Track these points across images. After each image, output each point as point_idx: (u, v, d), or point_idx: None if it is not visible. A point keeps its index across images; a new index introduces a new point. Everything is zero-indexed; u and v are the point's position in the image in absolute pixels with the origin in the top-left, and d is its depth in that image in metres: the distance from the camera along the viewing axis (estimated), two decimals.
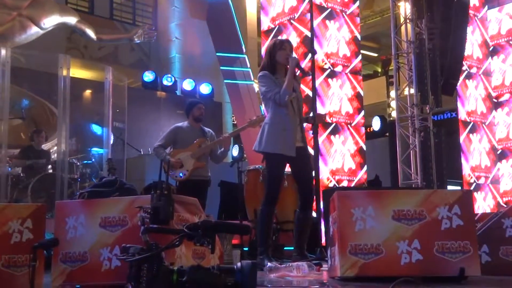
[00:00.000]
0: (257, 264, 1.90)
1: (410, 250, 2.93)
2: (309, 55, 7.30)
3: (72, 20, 8.67)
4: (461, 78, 8.51)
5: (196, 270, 1.55)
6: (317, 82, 7.24)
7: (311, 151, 6.65)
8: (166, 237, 1.75)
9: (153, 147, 5.75)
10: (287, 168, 4.49)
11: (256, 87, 10.55)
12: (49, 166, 7.58)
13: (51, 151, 8.30)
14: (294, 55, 4.63)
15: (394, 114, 10.71)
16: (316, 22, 7.42)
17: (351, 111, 7.70)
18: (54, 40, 10.05)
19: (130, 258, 1.57)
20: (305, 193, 4.36)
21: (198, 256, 3.24)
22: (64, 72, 7.62)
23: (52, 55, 8.12)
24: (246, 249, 5.25)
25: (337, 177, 7.34)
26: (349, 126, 7.62)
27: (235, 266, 1.55)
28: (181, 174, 5.54)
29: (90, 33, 8.78)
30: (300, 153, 4.30)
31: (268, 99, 4.31)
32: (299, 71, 4.61)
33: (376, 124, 12.74)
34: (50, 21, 8.40)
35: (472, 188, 8.35)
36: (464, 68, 8.55)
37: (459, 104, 8.76)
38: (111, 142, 8.55)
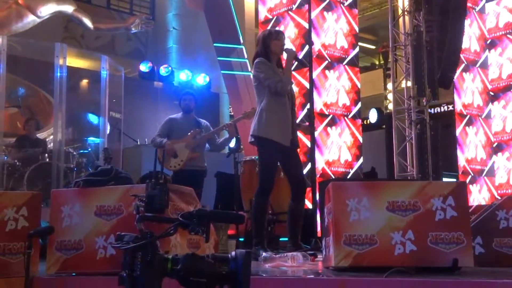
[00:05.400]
0: (252, 253, 1.91)
1: (404, 240, 2.95)
2: (307, 47, 7.31)
3: (69, 8, 8.63)
4: (458, 71, 8.50)
5: (190, 258, 1.55)
6: (314, 74, 7.24)
7: (308, 143, 6.68)
8: (161, 226, 1.75)
9: (151, 139, 5.80)
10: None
11: None
12: (45, 155, 7.56)
13: (47, 140, 8.28)
14: (291, 46, 4.62)
15: (391, 106, 10.73)
16: (314, 14, 7.40)
17: (348, 103, 7.69)
18: (51, 29, 9.99)
19: (125, 246, 1.57)
20: (296, 185, 4.33)
21: (193, 246, 3.26)
22: (61, 61, 7.60)
23: (49, 44, 8.09)
24: (241, 239, 5.26)
25: (333, 169, 7.35)
26: (345, 118, 7.62)
27: (229, 255, 1.56)
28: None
29: (87, 22, 8.74)
30: (291, 146, 4.31)
31: (265, 87, 4.24)
32: (296, 63, 4.61)
33: (373, 116, 12.78)
34: (47, 9, 8.36)
35: (467, 180, 8.36)
36: (461, 61, 8.54)
37: (455, 97, 8.75)
38: (108, 131, 8.54)
